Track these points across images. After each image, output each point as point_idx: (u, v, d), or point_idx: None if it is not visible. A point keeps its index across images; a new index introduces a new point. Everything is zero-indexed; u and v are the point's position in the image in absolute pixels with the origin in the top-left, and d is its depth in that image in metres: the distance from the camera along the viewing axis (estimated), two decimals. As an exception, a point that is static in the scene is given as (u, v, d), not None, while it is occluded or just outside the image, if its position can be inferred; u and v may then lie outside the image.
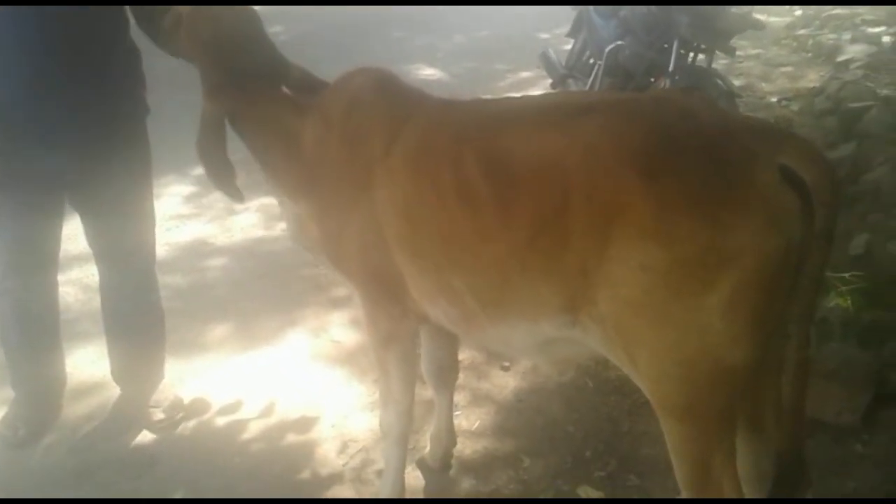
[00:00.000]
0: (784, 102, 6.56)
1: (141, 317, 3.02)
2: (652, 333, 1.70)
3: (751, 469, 1.87)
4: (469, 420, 3.05)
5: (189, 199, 5.10)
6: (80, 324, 3.60)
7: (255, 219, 4.89)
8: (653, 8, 4.80)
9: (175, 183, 5.23)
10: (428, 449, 2.81)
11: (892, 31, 7.33)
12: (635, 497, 2.62)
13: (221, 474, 2.81)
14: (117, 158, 2.68)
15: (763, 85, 7.17)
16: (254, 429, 3.07)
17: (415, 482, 2.73)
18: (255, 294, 4.00)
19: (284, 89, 2.39)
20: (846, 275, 3.00)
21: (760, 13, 6.01)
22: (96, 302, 3.11)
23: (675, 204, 1.61)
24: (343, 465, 2.85)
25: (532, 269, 1.86)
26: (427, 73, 7.78)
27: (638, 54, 4.96)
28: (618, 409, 3.05)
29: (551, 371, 3.24)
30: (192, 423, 3.10)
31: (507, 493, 2.68)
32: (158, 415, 3.05)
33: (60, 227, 2.82)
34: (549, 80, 5.92)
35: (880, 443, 2.72)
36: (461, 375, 3.20)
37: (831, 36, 8.04)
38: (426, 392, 2.82)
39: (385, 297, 2.25)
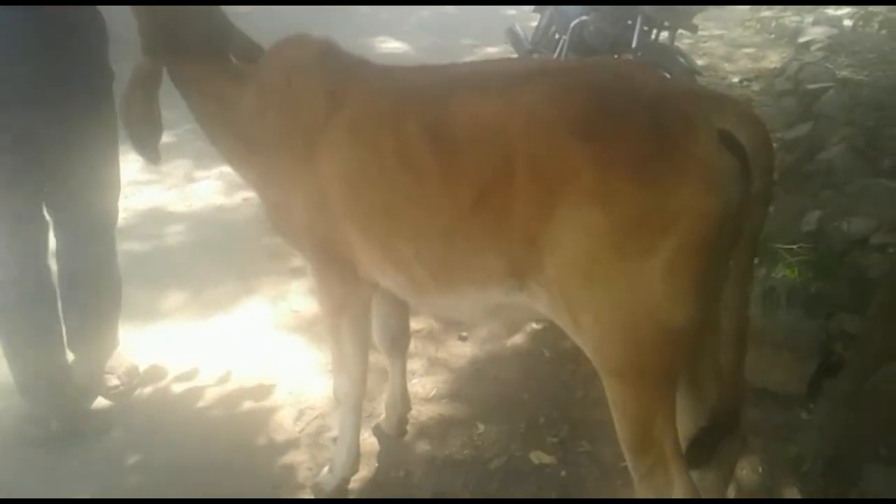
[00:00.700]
0: (745, 83, 6.65)
1: (99, 283, 2.98)
2: (595, 296, 1.72)
3: (690, 428, 1.91)
4: (425, 388, 3.08)
5: (149, 166, 5.01)
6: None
7: (214, 186, 4.86)
8: (618, -16, 4.83)
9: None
10: (383, 416, 2.84)
11: (853, 13, 7.44)
12: (585, 464, 2.68)
13: (177, 442, 2.82)
14: (84, 124, 2.64)
15: (725, 65, 7.25)
16: (210, 396, 3.07)
17: (370, 448, 2.76)
18: (214, 262, 3.99)
19: (230, 57, 2.34)
20: (794, 246, 3.07)
21: (725, -7, 6.12)
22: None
23: (616, 167, 1.63)
24: (299, 432, 2.86)
25: (477, 236, 1.87)
26: (392, 46, 7.76)
27: (602, 31, 4.99)
28: (572, 378, 3.09)
29: (505, 338, 3.28)
30: (147, 390, 3.10)
31: (460, 458, 2.71)
32: (113, 381, 3.04)
33: (41, 203, 2.74)
34: (516, 56, 5.93)
35: (824, 411, 2.79)
36: (418, 344, 3.25)
37: (794, 18, 8.15)
38: (382, 360, 2.84)
39: (335, 265, 2.25)
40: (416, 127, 1.92)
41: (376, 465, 2.71)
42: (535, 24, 6.11)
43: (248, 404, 3.03)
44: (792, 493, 2.50)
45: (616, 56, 5.02)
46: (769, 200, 1.69)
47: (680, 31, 5.24)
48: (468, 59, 7.33)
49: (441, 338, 3.38)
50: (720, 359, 1.81)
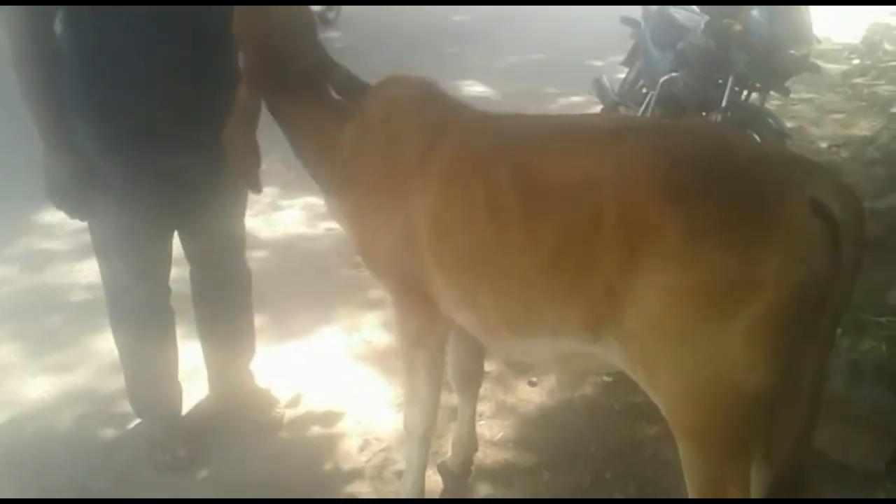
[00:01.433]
0: (834, 148, 6.50)
1: (237, 298, 3.02)
2: (672, 354, 1.72)
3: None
4: (492, 430, 3.08)
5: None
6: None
7: (299, 216, 4.99)
8: (711, 43, 4.81)
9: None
10: (450, 454, 2.86)
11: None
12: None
13: (245, 459, 2.89)
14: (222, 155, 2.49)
15: (814, 129, 7.11)
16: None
17: (434, 485, 2.77)
18: (293, 289, 4.08)
19: (329, 91, 2.40)
20: (883, 319, 2.98)
21: (818, 58, 5.97)
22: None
23: (703, 229, 1.63)
24: (365, 462, 2.90)
25: (558, 287, 1.88)
26: (479, 90, 7.87)
27: (692, 87, 4.98)
28: (642, 435, 3.05)
29: (569, 389, 3.26)
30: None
31: (523, 505, 2.71)
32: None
33: (173, 232, 2.74)
34: (601, 107, 5.96)
35: (903, 492, 2.70)
36: (488, 386, 3.26)
37: (888, 87, 7.95)
38: (452, 399, 2.87)
39: (416, 299, 2.28)
40: (507, 176, 1.94)
41: (439, 503, 2.72)
42: (622, 76, 6.16)
43: (315, 429, 3.08)
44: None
45: (704, 114, 5.00)
46: (858, 273, 1.67)
47: (771, 92, 5.19)
48: (553, 106, 7.51)
49: (510, 382, 3.38)
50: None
